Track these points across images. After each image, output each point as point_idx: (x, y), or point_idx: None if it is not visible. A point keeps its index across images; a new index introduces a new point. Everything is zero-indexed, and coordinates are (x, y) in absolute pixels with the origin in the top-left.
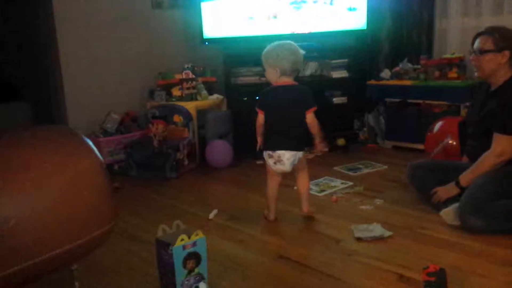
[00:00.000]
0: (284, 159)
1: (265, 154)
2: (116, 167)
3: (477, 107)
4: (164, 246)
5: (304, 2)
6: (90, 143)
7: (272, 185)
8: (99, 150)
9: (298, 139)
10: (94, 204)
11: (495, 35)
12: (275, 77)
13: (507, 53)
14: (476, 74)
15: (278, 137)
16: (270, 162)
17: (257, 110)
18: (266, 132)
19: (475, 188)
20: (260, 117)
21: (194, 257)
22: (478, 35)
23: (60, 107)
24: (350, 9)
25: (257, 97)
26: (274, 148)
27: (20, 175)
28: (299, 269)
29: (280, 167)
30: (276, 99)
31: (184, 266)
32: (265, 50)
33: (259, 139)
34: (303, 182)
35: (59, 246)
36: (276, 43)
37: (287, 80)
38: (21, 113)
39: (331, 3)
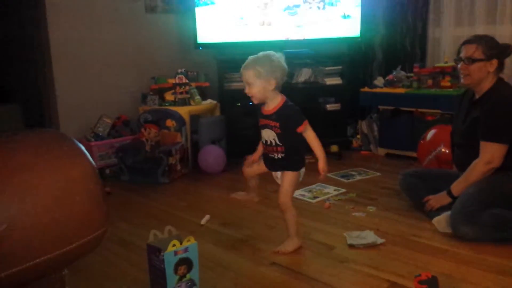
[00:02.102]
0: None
1: (303, 171)
2: (107, 171)
3: (461, 116)
4: (155, 251)
5: (298, 7)
6: (83, 147)
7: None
8: (91, 154)
9: None
10: (86, 209)
11: (483, 43)
12: (267, 92)
13: (495, 62)
14: (462, 81)
15: None
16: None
17: (306, 122)
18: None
19: (466, 197)
20: None
21: (185, 263)
22: (464, 43)
23: (52, 110)
24: (344, 16)
25: (295, 110)
26: None
27: (12, 180)
28: (292, 276)
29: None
30: None
31: (176, 272)
32: (251, 59)
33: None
34: None
35: (51, 251)
36: (260, 53)
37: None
38: (11, 116)
39: (323, 8)
